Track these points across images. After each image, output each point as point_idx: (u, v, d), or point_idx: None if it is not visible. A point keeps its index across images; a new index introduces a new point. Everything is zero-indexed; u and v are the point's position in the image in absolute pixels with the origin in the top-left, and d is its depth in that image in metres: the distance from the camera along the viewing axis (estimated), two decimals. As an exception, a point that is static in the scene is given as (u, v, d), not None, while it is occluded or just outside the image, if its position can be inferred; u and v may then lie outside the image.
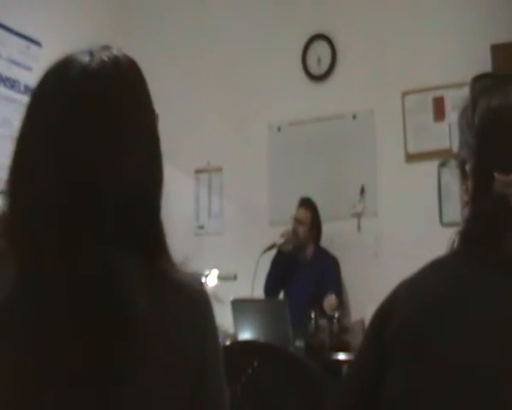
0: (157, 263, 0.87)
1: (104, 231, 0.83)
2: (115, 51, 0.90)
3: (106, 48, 0.90)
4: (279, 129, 4.61)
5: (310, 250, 3.95)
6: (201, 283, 0.93)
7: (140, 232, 0.86)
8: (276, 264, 3.92)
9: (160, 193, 0.91)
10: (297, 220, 3.92)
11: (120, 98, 0.87)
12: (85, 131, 0.84)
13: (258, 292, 3.70)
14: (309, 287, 3.66)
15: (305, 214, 3.93)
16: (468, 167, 1.00)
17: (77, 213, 0.82)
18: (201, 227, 4.86)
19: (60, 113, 0.84)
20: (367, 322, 1.03)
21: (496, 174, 0.93)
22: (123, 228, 0.84)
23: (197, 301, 0.90)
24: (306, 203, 3.99)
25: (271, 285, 3.92)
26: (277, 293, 3.92)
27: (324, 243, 4.00)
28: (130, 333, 0.81)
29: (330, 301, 3.46)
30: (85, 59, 0.87)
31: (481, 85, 1.00)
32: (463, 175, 1.02)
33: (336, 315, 3.24)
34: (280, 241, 3.87)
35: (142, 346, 0.82)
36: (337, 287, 3.71)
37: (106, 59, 0.88)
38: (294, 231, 3.89)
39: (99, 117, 0.84)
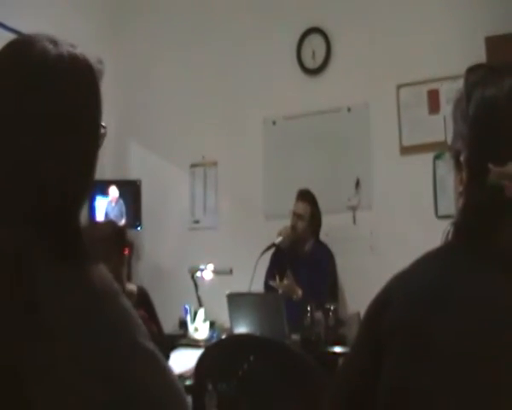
0: (68, 257, 0.86)
1: (23, 224, 0.83)
2: (78, 51, 0.91)
3: (72, 45, 0.91)
4: (274, 123, 4.60)
5: (309, 244, 3.87)
6: (109, 277, 0.89)
7: (55, 229, 0.86)
8: (275, 261, 3.85)
9: (83, 197, 0.91)
10: (296, 215, 3.82)
11: (69, 91, 0.88)
12: (27, 117, 0.85)
13: (255, 286, 3.70)
14: (307, 281, 3.61)
15: (304, 208, 3.82)
16: (462, 158, 1.00)
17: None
18: (197, 222, 4.86)
19: (10, 89, 0.86)
20: (363, 315, 1.03)
21: (491, 165, 0.93)
22: (37, 217, 0.84)
23: (104, 298, 0.87)
24: (305, 196, 3.87)
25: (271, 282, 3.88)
26: (277, 289, 3.87)
27: (321, 236, 3.98)
28: (43, 334, 0.80)
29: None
30: (50, 46, 0.88)
31: (475, 76, 1.00)
32: (458, 166, 1.02)
33: (332, 307, 3.23)
34: (278, 240, 3.75)
35: (53, 346, 0.80)
36: (330, 280, 3.69)
37: (66, 53, 0.89)
38: (293, 226, 3.79)
39: (42, 103, 0.86)
